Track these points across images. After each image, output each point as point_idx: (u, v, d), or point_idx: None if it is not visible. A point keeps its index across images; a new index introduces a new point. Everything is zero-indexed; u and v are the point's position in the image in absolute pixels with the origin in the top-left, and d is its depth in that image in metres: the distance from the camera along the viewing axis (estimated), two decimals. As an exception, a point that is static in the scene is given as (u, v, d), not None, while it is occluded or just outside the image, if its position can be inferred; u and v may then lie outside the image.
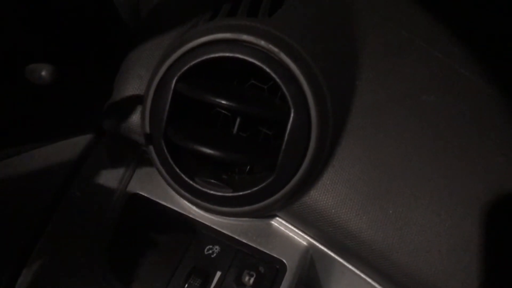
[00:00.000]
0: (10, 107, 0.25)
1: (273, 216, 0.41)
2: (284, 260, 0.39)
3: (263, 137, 0.39)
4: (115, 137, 0.43)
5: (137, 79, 0.39)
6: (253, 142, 0.38)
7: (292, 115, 0.32)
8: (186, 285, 0.37)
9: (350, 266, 0.39)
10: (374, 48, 0.40)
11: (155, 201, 0.41)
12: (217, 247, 0.40)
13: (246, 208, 0.36)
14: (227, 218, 0.40)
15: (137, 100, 0.39)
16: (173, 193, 0.38)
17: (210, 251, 0.40)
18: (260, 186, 0.34)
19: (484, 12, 0.43)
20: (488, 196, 0.35)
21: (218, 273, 0.38)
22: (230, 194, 0.35)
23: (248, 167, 0.39)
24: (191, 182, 0.36)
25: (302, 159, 0.33)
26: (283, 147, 0.33)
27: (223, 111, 0.39)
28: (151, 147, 0.36)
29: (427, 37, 0.41)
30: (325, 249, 0.40)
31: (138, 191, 0.42)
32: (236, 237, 0.40)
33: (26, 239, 0.37)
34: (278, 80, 0.32)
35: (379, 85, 0.38)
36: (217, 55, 0.33)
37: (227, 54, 0.33)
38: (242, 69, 0.34)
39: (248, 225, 0.41)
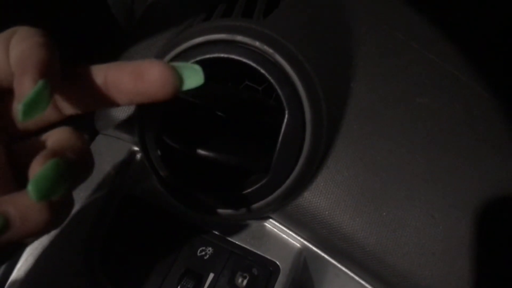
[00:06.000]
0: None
1: (266, 218, 0.40)
2: (277, 262, 0.39)
3: (258, 139, 0.38)
4: (108, 138, 0.43)
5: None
6: (247, 143, 0.38)
7: (286, 116, 0.32)
8: (179, 287, 0.37)
9: (343, 268, 0.39)
10: (369, 50, 0.40)
11: (148, 202, 0.41)
12: (210, 248, 0.40)
13: (240, 210, 0.36)
14: (221, 219, 0.40)
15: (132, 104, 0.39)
16: (166, 194, 0.38)
17: (203, 253, 0.39)
18: (254, 188, 0.34)
19: (479, 14, 0.43)
20: (482, 199, 0.35)
21: (211, 275, 0.38)
22: (223, 196, 0.35)
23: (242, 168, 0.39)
24: (184, 183, 0.35)
25: (296, 160, 0.33)
26: (277, 148, 0.33)
27: (216, 112, 0.38)
28: (144, 148, 0.36)
29: (422, 39, 0.41)
30: (319, 251, 0.40)
31: (131, 192, 0.42)
32: (230, 239, 0.40)
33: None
34: (272, 81, 0.32)
35: (373, 87, 0.39)
36: (211, 55, 0.33)
37: (221, 55, 0.32)
38: (237, 70, 0.34)
39: (242, 226, 0.41)
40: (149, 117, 0.35)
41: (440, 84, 0.39)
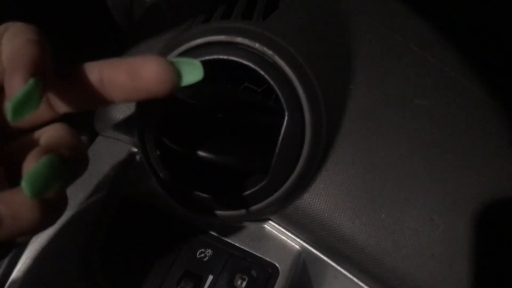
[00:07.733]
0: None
1: (266, 220, 0.40)
2: (276, 264, 0.39)
3: (257, 140, 0.38)
4: (107, 140, 0.43)
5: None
6: (247, 145, 0.38)
7: (286, 118, 0.32)
8: (178, 289, 0.37)
9: (342, 270, 0.39)
10: (368, 52, 0.40)
11: (147, 203, 0.41)
12: (209, 250, 0.39)
13: (239, 211, 0.36)
14: (220, 221, 0.40)
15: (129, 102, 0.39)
16: (166, 195, 0.38)
17: (202, 255, 0.39)
18: (253, 190, 0.34)
19: (477, 16, 0.43)
20: (481, 200, 0.35)
21: (210, 277, 0.38)
22: (223, 197, 0.35)
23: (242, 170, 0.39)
24: (183, 185, 0.35)
25: (296, 162, 0.33)
26: (277, 150, 0.33)
27: (216, 113, 0.38)
28: (143, 150, 0.36)
29: (421, 41, 0.41)
30: (318, 253, 0.39)
31: (130, 194, 0.41)
32: (229, 241, 0.40)
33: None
34: (272, 83, 0.32)
35: (372, 89, 0.39)
36: (211, 57, 0.32)
37: (221, 57, 0.32)
38: (236, 71, 0.34)
39: (241, 228, 0.40)
40: (148, 118, 0.35)
41: (439, 86, 0.39)
